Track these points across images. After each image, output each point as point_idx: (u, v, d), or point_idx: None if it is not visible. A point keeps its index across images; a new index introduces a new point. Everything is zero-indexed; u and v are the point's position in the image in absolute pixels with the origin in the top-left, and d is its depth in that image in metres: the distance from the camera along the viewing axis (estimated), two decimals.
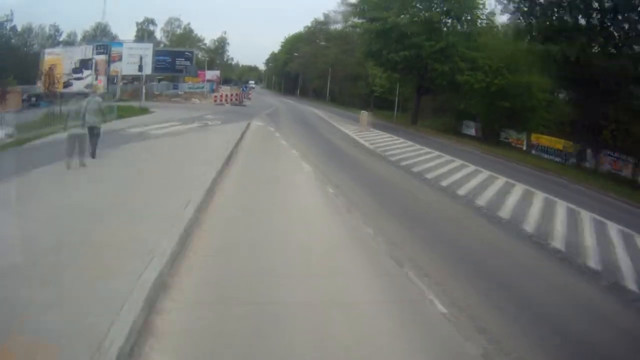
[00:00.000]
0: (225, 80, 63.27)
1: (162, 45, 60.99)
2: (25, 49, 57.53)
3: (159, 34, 76.03)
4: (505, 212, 9.29)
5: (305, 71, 61.07)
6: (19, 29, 56.94)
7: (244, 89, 41.81)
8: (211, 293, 4.40)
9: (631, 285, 6.27)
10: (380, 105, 38.60)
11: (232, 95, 35.12)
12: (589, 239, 8.35)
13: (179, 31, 78.72)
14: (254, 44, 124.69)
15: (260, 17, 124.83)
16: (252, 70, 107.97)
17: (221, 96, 34.47)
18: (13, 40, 56.90)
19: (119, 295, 3.77)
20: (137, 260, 4.50)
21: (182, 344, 3.54)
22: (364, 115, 23.75)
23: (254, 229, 6.35)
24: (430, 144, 19.80)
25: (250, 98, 38.03)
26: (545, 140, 22.52)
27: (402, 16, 26.00)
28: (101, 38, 53.80)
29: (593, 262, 6.96)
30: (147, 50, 37.60)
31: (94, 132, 9.54)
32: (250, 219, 6.80)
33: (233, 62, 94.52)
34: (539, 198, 11.36)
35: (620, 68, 18.23)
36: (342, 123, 24.66)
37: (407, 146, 18.35)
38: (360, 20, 30.27)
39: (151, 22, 75.18)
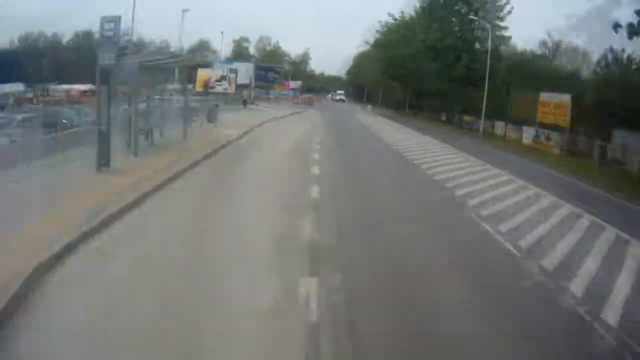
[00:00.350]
0: (308, 89, 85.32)
1: (253, 60, 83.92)
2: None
3: (251, 50, 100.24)
4: (400, 146, 29.69)
5: (368, 82, 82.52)
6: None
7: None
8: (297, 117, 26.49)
9: (409, 155, 26.33)
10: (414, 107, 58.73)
11: (306, 99, 58.16)
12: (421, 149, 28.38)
13: (268, 48, 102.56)
14: (339, 55, 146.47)
15: (345, 28, 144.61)
16: (335, 80, 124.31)
17: (300, 99, 57.69)
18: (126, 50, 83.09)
19: (269, 116, 25.90)
20: (277, 114, 26.68)
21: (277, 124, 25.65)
22: (369, 107, 45.07)
23: (298, 123, 28.42)
24: (397, 121, 40.29)
25: (319, 102, 60.73)
26: (469, 118, 41.63)
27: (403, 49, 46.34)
28: (202, 52, 77.51)
29: (416, 158, 27.17)
30: (250, 67, 61.66)
31: (245, 102, 33.01)
32: (300, 120, 29.01)
33: (316, 73, 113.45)
34: (424, 139, 31.03)
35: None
36: (361, 113, 45.91)
37: (378, 119, 39.28)
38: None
39: (246, 40, 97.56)
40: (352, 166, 15.83)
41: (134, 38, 76.41)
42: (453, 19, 37.03)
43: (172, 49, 62.64)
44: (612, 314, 5.70)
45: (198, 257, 6.34)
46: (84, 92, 38.88)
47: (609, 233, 9.56)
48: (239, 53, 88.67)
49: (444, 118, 47.24)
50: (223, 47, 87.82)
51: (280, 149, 17.75)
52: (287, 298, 5.29)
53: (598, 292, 6.37)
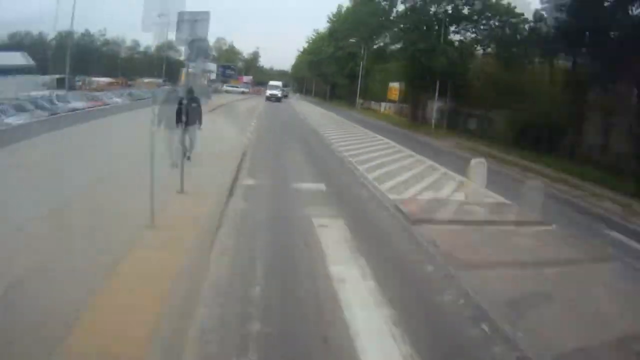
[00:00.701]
0: (258, 83, 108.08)
1: (216, 60, 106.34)
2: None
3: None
4: (298, 108, 54.11)
5: (305, 78, 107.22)
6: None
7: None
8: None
9: (302, 114, 50.70)
10: (337, 95, 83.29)
11: (255, 90, 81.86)
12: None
13: (224, 47, 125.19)
14: (290, 51, 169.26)
15: (292, 27, 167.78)
16: (282, 74, 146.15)
17: (251, 90, 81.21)
18: (104, 49, 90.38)
19: (233, 98, 49.75)
20: (237, 98, 50.55)
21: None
22: (298, 94, 69.33)
23: (250, 101, 52.26)
24: (311, 102, 64.75)
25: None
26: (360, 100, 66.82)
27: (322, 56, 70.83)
28: (166, 51, 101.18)
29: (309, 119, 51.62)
30: (214, 66, 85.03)
31: (218, 90, 56.55)
32: (250, 101, 52.84)
33: (267, 68, 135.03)
34: (317, 108, 55.76)
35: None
36: (292, 99, 69.95)
37: (300, 101, 63.63)
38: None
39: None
40: (273, 111, 40.02)
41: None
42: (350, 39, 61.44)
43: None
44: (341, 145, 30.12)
45: (232, 118, 30.44)
46: (109, 83, 62.13)
47: (383, 140, 34.16)
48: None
49: (350, 102, 72.49)
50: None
51: (243, 106, 41.72)
52: (252, 113, 29.64)
53: (351, 146, 30.74)
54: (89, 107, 33.47)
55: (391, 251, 7.70)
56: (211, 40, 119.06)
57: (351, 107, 60.88)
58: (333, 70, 66.01)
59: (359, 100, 59.68)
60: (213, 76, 76.00)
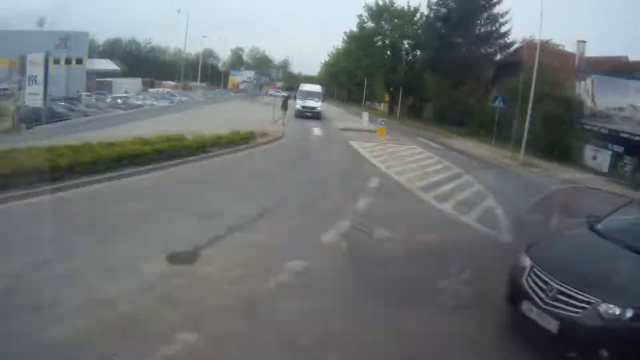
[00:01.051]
0: (288, 88, 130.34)
1: (244, 65, 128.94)
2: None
3: (245, 57, 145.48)
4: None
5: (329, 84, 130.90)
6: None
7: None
8: None
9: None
10: (352, 99, 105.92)
11: (292, 95, 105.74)
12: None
13: (258, 55, 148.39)
14: (316, 57, 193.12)
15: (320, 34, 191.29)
16: (311, 79, 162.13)
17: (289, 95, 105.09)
18: (150, 55, 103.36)
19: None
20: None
21: None
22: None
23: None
24: (331, 103, 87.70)
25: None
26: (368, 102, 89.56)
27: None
28: (207, 59, 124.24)
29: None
30: (252, 74, 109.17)
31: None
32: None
33: (296, 73, 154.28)
34: (335, 107, 78.42)
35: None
36: None
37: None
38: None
39: (241, 49, 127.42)
40: None
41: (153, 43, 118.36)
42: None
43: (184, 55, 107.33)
44: None
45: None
46: (174, 86, 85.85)
47: (356, 118, 57.12)
48: (236, 60, 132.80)
49: (360, 104, 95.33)
50: (224, 54, 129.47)
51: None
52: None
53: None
54: (190, 100, 57.55)
55: (330, 134, 31.11)
56: (246, 49, 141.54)
57: (358, 107, 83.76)
58: (347, 79, 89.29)
59: (364, 102, 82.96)
60: (253, 81, 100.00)
